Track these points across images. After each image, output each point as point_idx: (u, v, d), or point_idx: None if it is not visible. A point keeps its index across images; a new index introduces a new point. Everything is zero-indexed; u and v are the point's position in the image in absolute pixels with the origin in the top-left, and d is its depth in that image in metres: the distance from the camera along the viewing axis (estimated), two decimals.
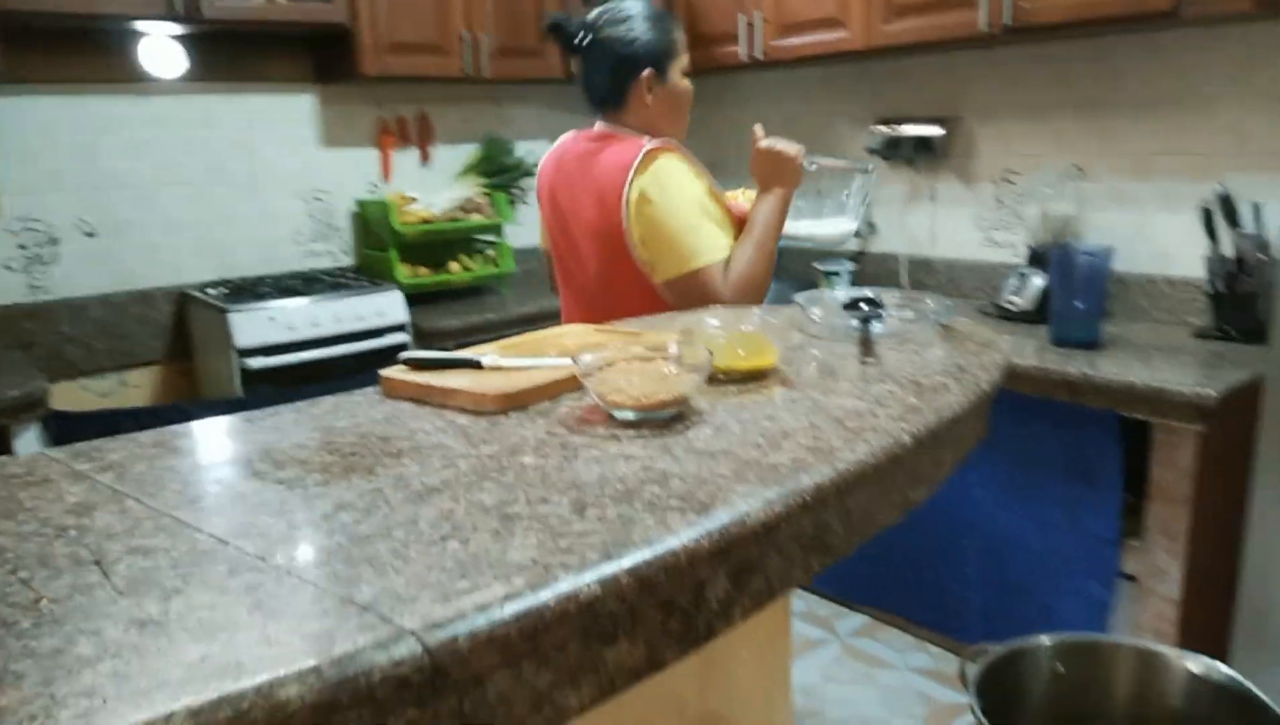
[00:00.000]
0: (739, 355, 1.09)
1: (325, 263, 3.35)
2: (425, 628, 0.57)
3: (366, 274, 3.30)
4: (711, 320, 1.19)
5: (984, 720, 0.79)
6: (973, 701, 0.82)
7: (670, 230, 1.69)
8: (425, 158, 3.52)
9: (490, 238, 3.48)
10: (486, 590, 0.61)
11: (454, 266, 3.36)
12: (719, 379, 1.09)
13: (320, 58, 3.21)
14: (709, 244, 1.71)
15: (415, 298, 3.25)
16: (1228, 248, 2.33)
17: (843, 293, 1.42)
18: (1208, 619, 2.14)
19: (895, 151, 3.03)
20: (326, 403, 1.10)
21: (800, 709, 2.41)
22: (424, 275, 3.29)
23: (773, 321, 1.38)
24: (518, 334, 1.36)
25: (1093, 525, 2.24)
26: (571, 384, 1.08)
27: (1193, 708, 0.86)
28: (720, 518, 0.73)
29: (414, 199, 3.29)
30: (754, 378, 1.10)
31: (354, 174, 3.38)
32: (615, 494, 0.78)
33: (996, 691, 0.87)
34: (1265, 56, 2.30)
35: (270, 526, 0.74)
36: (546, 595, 0.62)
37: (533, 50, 3.34)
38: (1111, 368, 2.13)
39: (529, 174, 3.63)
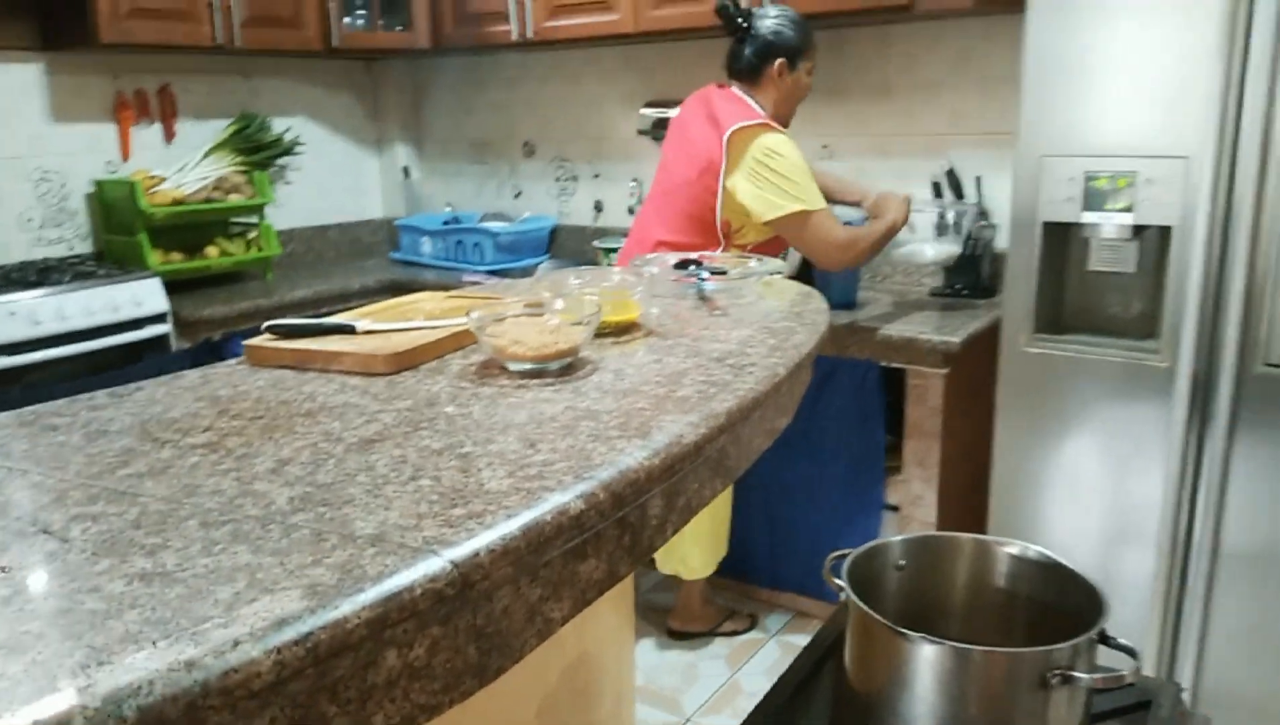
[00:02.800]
0: (607, 310, 1.16)
1: (60, 251, 3.03)
2: (447, 546, 0.61)
3: (112, 261, 3.03)
4: (574, 280, 1.25)
5: (859, 602, 0.92)
6: (847, 588, 0.95)
7: (783, 179, 2.18)
8: (170, 135, 3.26)
9: (252, 220, 3.29)
10: (487, 513, 0.65)
11: (211, 251, 3.16)
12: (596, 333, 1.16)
13: (48, 23, 2.89)
14: (816, 197, 2.22)
15: (171, 286, 3.03)
16: (955, 216, 2.69)
17: (671, 256, 1.53)
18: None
19: (664, 133, 3.19)
20: (190, 376, 1.06)
21: None
22: (178, 261, 3.06)
23: (607, 284, 1.47)
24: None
25: (861, 463, 2.53)
26: (453, 343, 1.11)
27: (1016, 584, 1.04)
28: (661, 439, 0.80)
29: (162, 178, 3.05)
30: (624, 331, 1.18)
31: (89, 152, 3.07)
32: (555, 429, 0.83)
33: (859, 586, 1.00)
34: (978, 47, 2.67)
35: (219, 484, 0.73)
36: (543, 510, 0.67)
37: (288, 20, 3.18)
38: (870, 323, 2.40)
39: (289, 151, 3.47)
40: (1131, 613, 2.02)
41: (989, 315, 2.42)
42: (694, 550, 2.52)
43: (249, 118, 3.36)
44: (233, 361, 1.10)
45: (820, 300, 1.38)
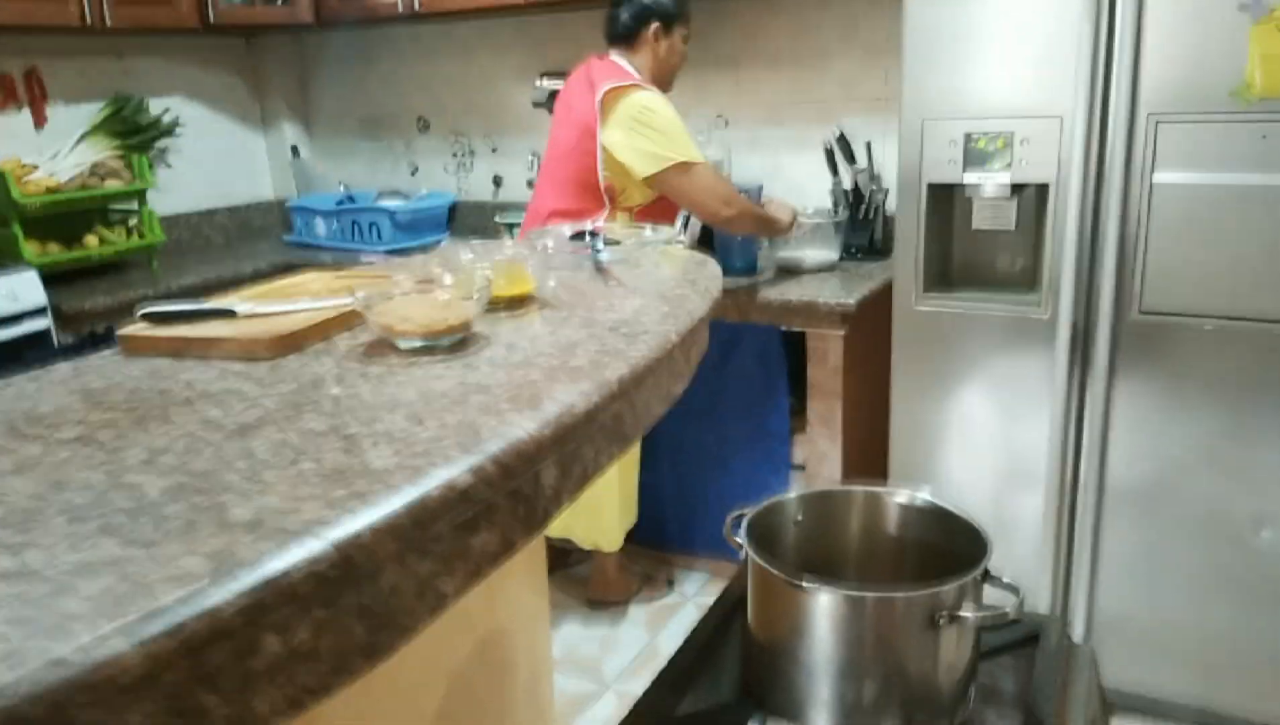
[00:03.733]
0: (501, 284, 1.15)
1: None
2: (328, 527, 0.60)
3: None
4: (466, 254, 1.24)
5: (756, 556, 0.95)
6: (747, 544, 0.97)
7: (658, 133, 2.23)
8: (40, 120, 3.10)
9: (132, 207, 3.16)
10: (370, 492, 0.65)
11: (91, 240, 3.02)
12: (487, 307, 1.15)
13: None
14: (695, 150, 2.26)
15: (49, 278, 2.88)
16: (847, 181, 2.74)
17: (566, 227, 1.52)
18: None
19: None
20: (62, 369, 1.01)
21: None
22: (56, 252, 2.92)
23: (500, 257, 1.45)
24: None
25: (767, 426, 2.57)
26: (341, 323, 1.09)
27: (906, 531, 1.08)
28: (552, 409, 0.80)
29: (34, 166, 2.89)
30: (518, 304, 1.17)
31: None
32: (444, 405, 0.82)
33: (759, 542, 1.03)
34: (865, 15, 2.71)
35: (89, 478, 0.70)
36: (429, 486, 0.66)
37: None
38: (770, 289, 2.44)
39: (168, 133, 3.33)
40: (1025, 550, 2.12)
41: (883, 276, 2.48)
42: (608, 522, 2.54)
43: (123, 100, 3.21)
44: (107, 352, 1.06)
45: (715, 267, 1.39)
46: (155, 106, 3.36)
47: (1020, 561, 2.12)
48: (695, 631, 1.19)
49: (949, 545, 1.04)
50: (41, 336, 2.63)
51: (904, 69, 2.00)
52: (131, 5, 2.96)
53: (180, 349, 1.03)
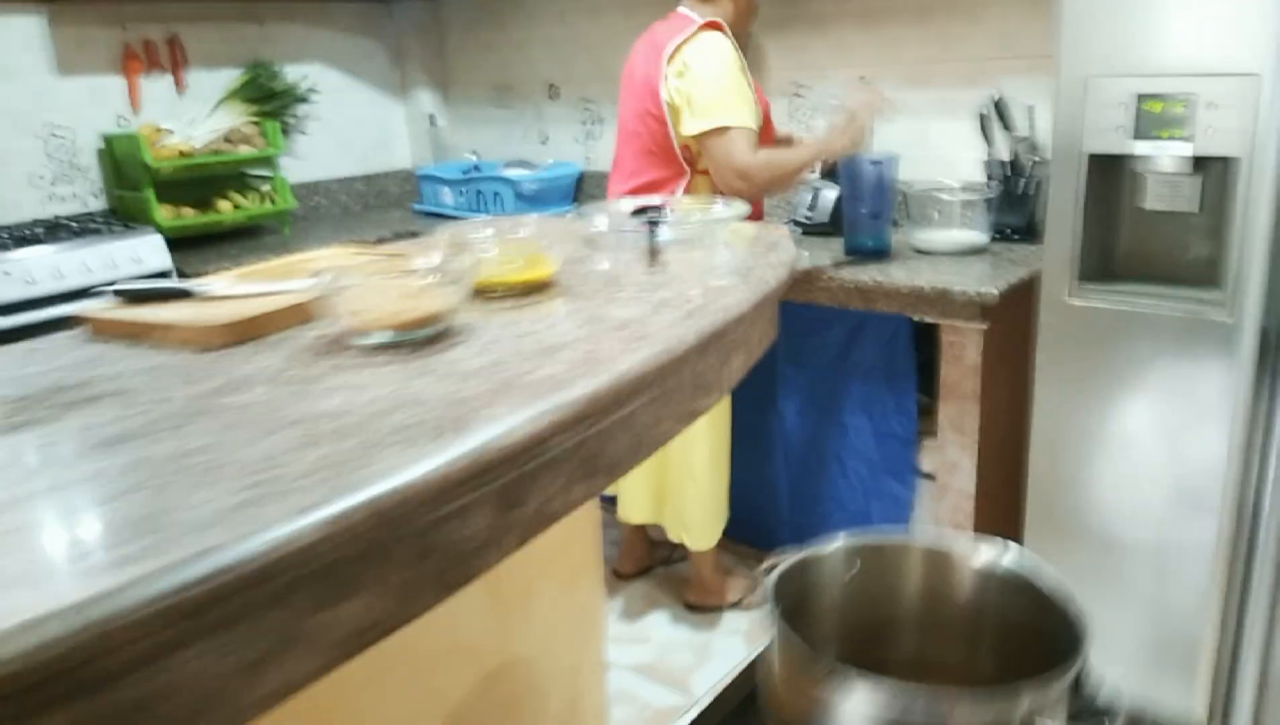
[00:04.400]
0: (511, 267, 0.98)
1: (73, 207, 2.97)
2: (61, 614, 0.44)
3: (122, 218, 2.96)
4: (485, 231, 1.07)
5: (785, 624, 0.74)
6: (772, 605, 0.77)
7: (704, 88, 2.08)
8: (180, 85, 3.16)
9: (265, 172, 3.19)
10: (150, 559, 0.48)
11: (223, 205, 3.06)
12: (494, 294, 0.98)
13: None
14: (737, 112, 2.09)
15: (180, 242, 2.95)
16: (1003, 151, 2.41)
17: (628, 202, 1.34)
18: (1002, 507, 2.26)
19: None
20: (18, 349, 0.92)
21: (622, 635, 2.39)
22: (189, 216, 2.98)
23: (552, 231, 1.28)
24: None
25: (892, 427, 2.31)
26: (299, 316, 0.94)
27: (984, 601, 0.85)
28: (476, 438, 0.63)
29: (170, 131, 2.95)
30: (533, 291, 1.00)
31: (98, 106, 2.99)
32: (355, 423, 0.66)
33: (792, 596, 0.82)
34: None
35: None
36: (256, 545, 0.50)
37: None
38: (900, 273, 2.16)
39: (302, 100, 3.34)
40: (1188, 590, 1.78)
41: (1038, 263, 2.14)
42: (697, 519, 2.35)
43: (260, 67, 3.24)
44: (72, 332, 0.96)
45: (786, 252, 1.17)
46: (294, 73, 3.38)
47: (1181, 604, 1.78)
48: (726, 690, 0.99)
49: (1036, 624, 0.80)
50: None
51: (1062, 15, 1.68)
52: None
53: (139, 333, 0.91)
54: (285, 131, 3.37)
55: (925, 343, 2.21)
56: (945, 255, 2.31)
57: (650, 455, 0.83)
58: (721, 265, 1.08)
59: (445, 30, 3.75)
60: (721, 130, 2.07)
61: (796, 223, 2.62)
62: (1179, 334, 1.70)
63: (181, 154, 2.90)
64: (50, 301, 2.47)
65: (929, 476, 2.30)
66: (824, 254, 2.38)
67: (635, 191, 2.21)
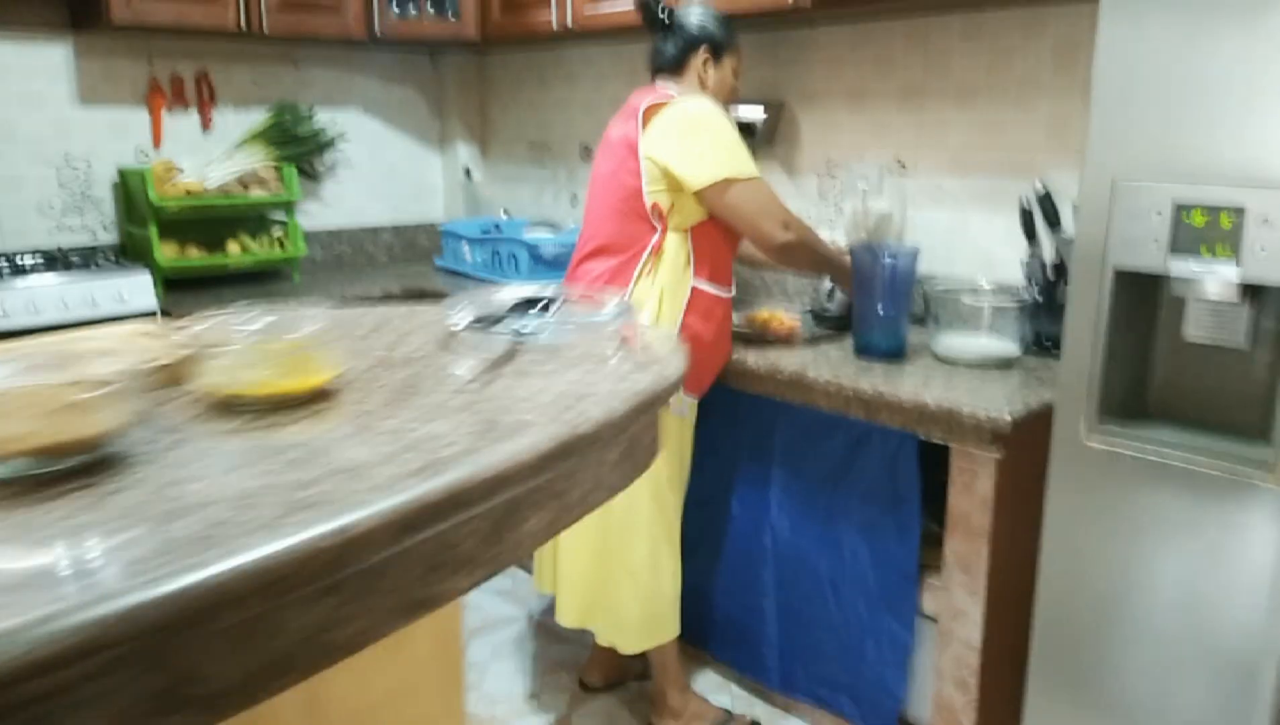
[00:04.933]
0: (259, 374, 0.77)
1: (80, 239, 2.92)
2: None
3: (131, 253, 2.89)
4: (261, 321, 0.87)
5: None
6: None
7: (707, 138, 1.94)
8: (207, 123, 3.11)
9: (281, 217, 3.10)
10: None
11: (232, 247, 2.97)
12: (245, 406, 0.78)
13: (76, 2, 2.78)
14: (749, 163, 1.97)
15: (181, 282, 2.87)
16: (1046, 251, 2.12)
17: (515, 291, 1.13)
18: (1014, 661, 1.93)
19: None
20: None
21: None
22: (194, 256, 2.90)
23: (410, 323, 1.08)
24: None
25: (893, 557, 2.01)
26: None
27: None
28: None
29: (180, 169, 2.89)
30: (294, 403, 0.79)
31: (119, 139, 2.96)
32: None
33: None
34: (1087, 43, 2.09)
35: None
36: None
37: (326, 5, 2.96)
38: (908, 383, 1.89)
39: (327, 146, 3.26)
40: None
41: None
42: (632, 620, 2.09)
43: (286, 109, 3.17)
44: None
45: (658, 377, 0.93)
46: (329, 118, 3.32)
47: None
48: None
49: None
50: None
51: (1093, 107, 1.42)
52: (293, 13, 2.89)
53: None
54: (314, 176, 3.30)
55: (938, 461, 1.92)
56: (968, 366, 2.02)
57: (330, 664, 0.60)
58: (555, 388, 0.85)
59: (488, 84, 3.65)
60: (747, 181, 1.95)
61: (814, 314, 2.37)
62: (1218, 494, 1.39)
63: (189, 193, 2.82)
64: (22, 335, 2.38)
65: (931, 619, 1.99)
66: (832, 352, 2.12)
67: (600, 255, 2.04)
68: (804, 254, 2.07)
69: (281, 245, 3.05)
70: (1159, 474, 1.43)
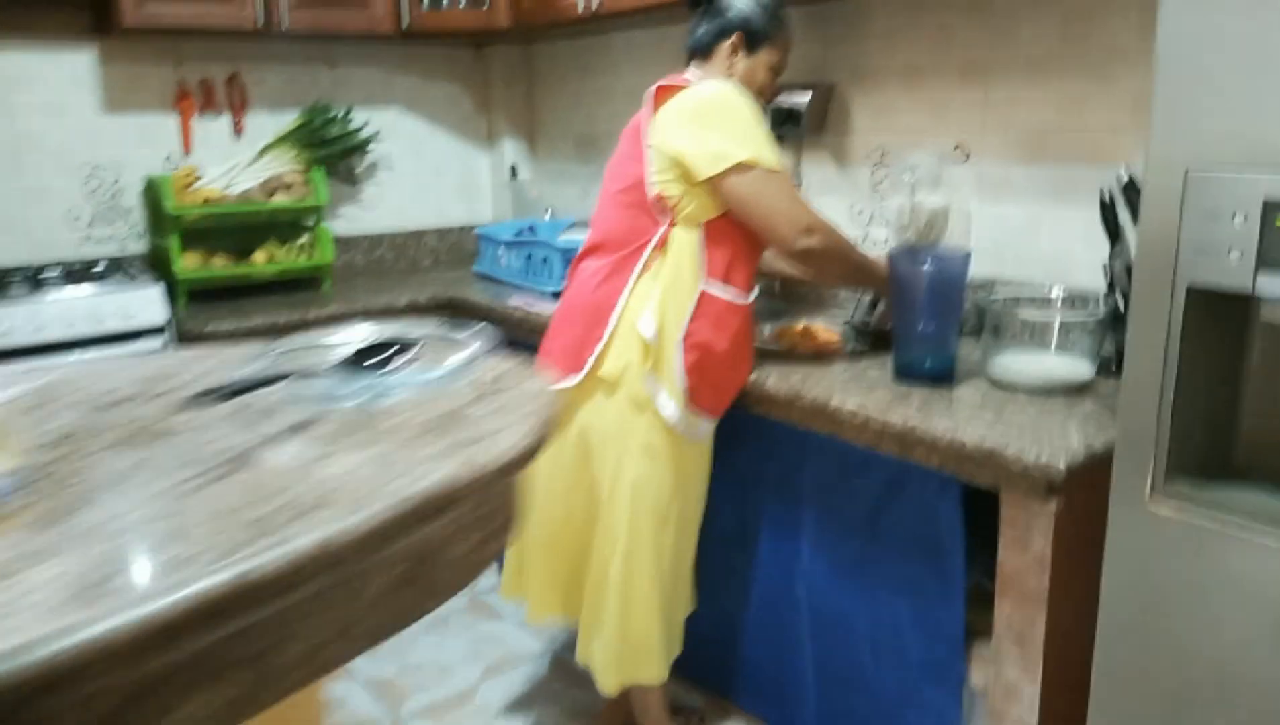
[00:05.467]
0: None
1: (109, 250, 2.86)
2: None
3: (159, 265, 2.82)
4: None
5: None
6: None
7: (722, 120, 1.71)
8: (239, 127, 3.01)
9: (325, 222, 2.97)
10: None
11: (259, 257, 2.86)
12: None
13: (100, 8, 2.71)
14: (770, 153, 1.72)
15: (205, 294, 2.77)
16: (1130, 252, 1.77)
17: (362, 331, 0.90)
18: None
19: (787, 129, 2.45)
20: None
21: None
22: (218, 266, 2.79)
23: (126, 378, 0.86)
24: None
25: (936, 619, 1.70)
26: None
27: None
28: None
29: (200, 176, 2.79)
30: None
31: (148, 146, 2.88)
32: None
33: None
34: None
35: None
36: None
37: None
38: (948, 415, 1.58)
39: (361, 147, 3.12)
40: None
41: None
42: (612, 652, 1.84)
43: (317, 110, 3.04)
44: None
45: (491, 459, 0.69)
46: (368, 118, 3.18)
47: None
48: None
49: None
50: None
51: (1156, 74, 1.09)
52: (314, 9, 2.74)
53: None
54: (351, 180, 3.17)
55: (988, 506, 1.61)
56: (1029, 392, 1.69)
57: None
58: (358, 464, 0.62)
59: (535, 77, 3.45)
60: (760, 169, 1.69)
61: (855, 329, 2.07)
62: None
63: (207, 201, 2.72)
64: (22, 355, 2.31)
65: (980, 693, 1.67)
66: (869, 373, 1.83)
67: (601, 251, 1.83)
68: (831, 263, 1.80)
69: (308, 253, 2.92)
70: (1246, 551, 1.09)
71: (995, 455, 1.45)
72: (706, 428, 1.83)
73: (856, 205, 2.36)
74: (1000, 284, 2.04)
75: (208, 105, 2.94)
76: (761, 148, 1.70)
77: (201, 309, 2.66)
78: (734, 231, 1.77)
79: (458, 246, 3.50)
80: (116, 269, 2.64)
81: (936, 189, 2.02)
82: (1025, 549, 1.51)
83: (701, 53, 1.89)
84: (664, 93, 1.78)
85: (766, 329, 2.02)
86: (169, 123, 2.90)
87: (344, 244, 3.23)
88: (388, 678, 2.37)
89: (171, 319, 2.52)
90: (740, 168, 1.67)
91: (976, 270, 2.09)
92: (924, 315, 1.71)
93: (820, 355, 1.94)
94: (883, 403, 1.66)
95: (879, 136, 2.29)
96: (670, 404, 1.73)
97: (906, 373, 1.77)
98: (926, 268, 1.69)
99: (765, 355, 1.94)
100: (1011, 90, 2.00)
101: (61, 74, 2.72)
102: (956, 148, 2.11)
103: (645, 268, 1.75)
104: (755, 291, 1.87)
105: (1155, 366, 1.13)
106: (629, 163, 1.80)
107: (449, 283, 3.04)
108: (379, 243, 3.34)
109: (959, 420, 1.55)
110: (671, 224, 1.74)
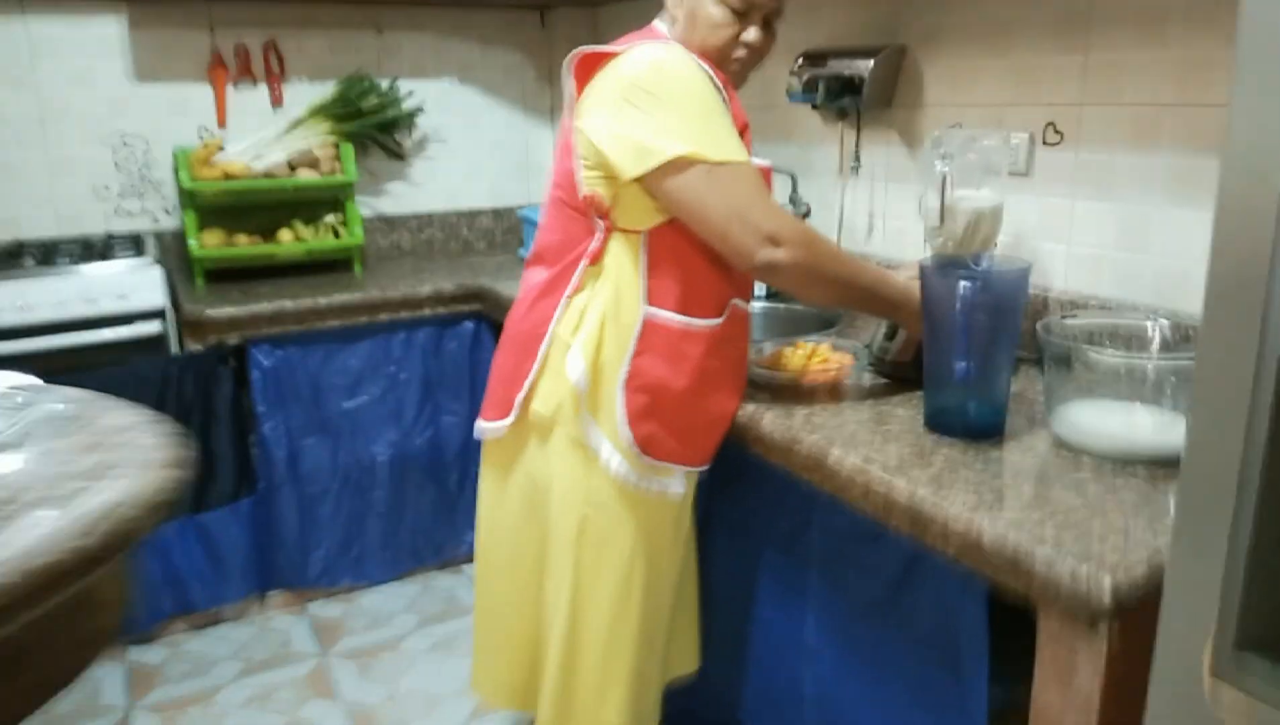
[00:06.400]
0: None
1: (142, 224, 2.73)
2: None
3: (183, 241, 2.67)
4: None
5: None
6: None
7: (678, 107, 1.29)
8: (277, 99, 2.82)
9: (359, 199, 2.77)
10: None
11: (284, 236, 2.67)
12: None
13: None
14: (723, 140, 1.30)
15: (226, 274, 2.61)
16: None
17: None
18: None
19: (825, 98, 2.04)
20: None
21: None
22: (243, 244, 2.62)
23: None
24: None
25: None
26: None
27: None
28: None
29: (223, 148, 2.61)
30: None
31: (180, 116, 2.73)
32: None
33: None
34: None
35: None
36: None
37: None
38: (967, 490, 1.17)
39: (403, 120, 2.89)
40: None
41: None
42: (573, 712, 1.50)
43: (355, 80, 2.82)
44: None
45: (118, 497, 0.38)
46: (419, 88, 2.94)
47: None
48: None
49: None
50: (155, 342, 2.31)
51: (1238, 48, 0.67)
52: None
53: None
54: (399, 154, 2.95)
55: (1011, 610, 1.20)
56: (1103, 458, 1.25)
57: None
58: None
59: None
60: (713, 166, 1.27)
61: (872, 364, 1.64)
62: None
63: (227, 176, 2.54)
64: (32, 333, 2.19)
65: None
66: (901, 414, 1.42)
67: (538, 263, 1.50)
68: (813, 283, 1.36)
69: (336, 233, 2.71)
70: None
71: (1020, 561, 1.04)
72: (676, 480, 1.46)
73: (929, 197, 1.93)
74: (1089, 306, 1.58)
75: (244, 73, 2.77)
76: (704, 135, 1.28)
77: (220, 291, 2.49)
78: (687, 241, 1.38)
79: (515, 229, 3.23)
80: (133, 246, 2.50)
81: (985, 180, 1.55)
82: (1066, 684, 1.10)
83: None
84: (591, 64, 1.40)
85: (766, 348, 1.64)
86: (203, 92, 2.74)
87: (389, 223, 3.02)
88: (371, 704, 2.15)
89: (170, 303, 2.35)
90: (675, 165, 1.27)
91: (1064, 284, 1.64)
92: (962, 350, 1.29)
93: (827, 388, 1.54)
94: (894, 462, 1.26)
95: (957, 111, 1.84)
96: (616, 458, 1.39)
97: (939, 423, 1.35)
98: (965, 288, 1.27)
99: (759, 385, 1.56)
100: (1118, 52, 1.53)
101: (89, 40, 2.60)
102: (1049, 125, 1.65)
103: (578, 287, 1.41)
104: (731, 311, 1.45)
105: (1227, 478, 0.71)
106: (562, 154, 1.44)
107: (494, 269, 2.78)
108: (429, 222, 3.10)
109: (985, 498, 1.14)
110: (609, 232, 1.39)
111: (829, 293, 1.40)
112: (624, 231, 1.37)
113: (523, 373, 1.44)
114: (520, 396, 1.44)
